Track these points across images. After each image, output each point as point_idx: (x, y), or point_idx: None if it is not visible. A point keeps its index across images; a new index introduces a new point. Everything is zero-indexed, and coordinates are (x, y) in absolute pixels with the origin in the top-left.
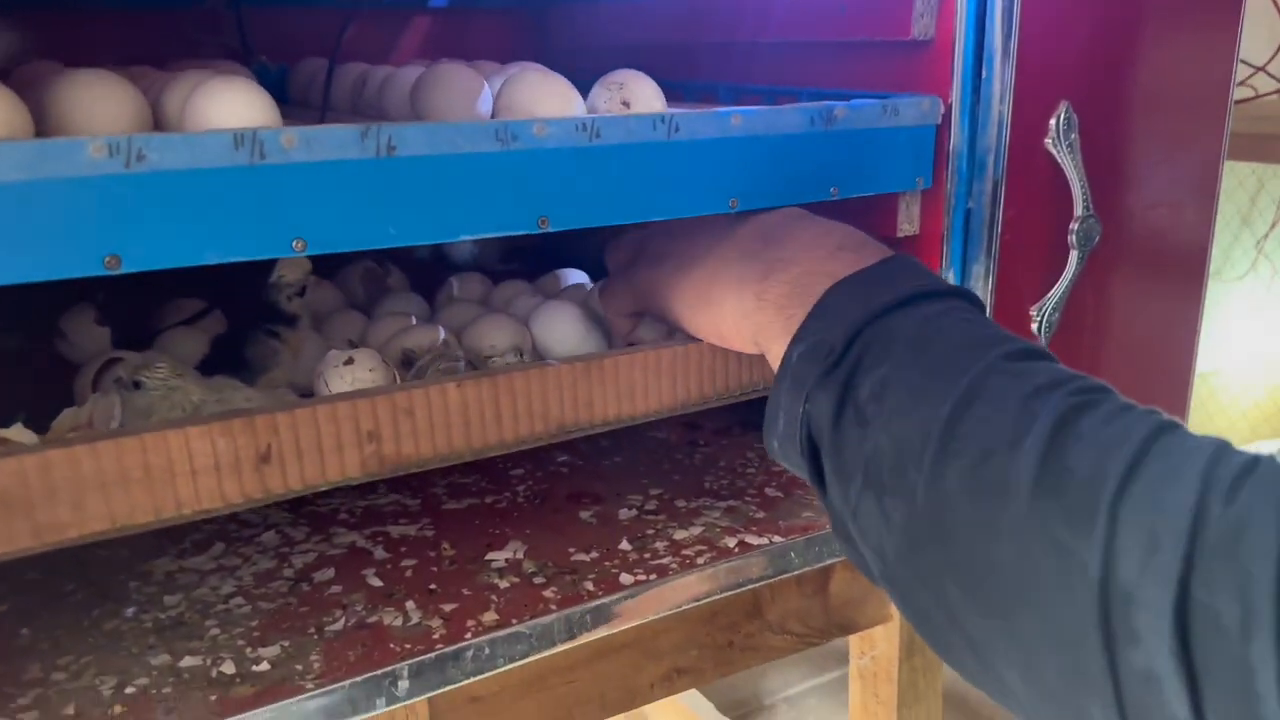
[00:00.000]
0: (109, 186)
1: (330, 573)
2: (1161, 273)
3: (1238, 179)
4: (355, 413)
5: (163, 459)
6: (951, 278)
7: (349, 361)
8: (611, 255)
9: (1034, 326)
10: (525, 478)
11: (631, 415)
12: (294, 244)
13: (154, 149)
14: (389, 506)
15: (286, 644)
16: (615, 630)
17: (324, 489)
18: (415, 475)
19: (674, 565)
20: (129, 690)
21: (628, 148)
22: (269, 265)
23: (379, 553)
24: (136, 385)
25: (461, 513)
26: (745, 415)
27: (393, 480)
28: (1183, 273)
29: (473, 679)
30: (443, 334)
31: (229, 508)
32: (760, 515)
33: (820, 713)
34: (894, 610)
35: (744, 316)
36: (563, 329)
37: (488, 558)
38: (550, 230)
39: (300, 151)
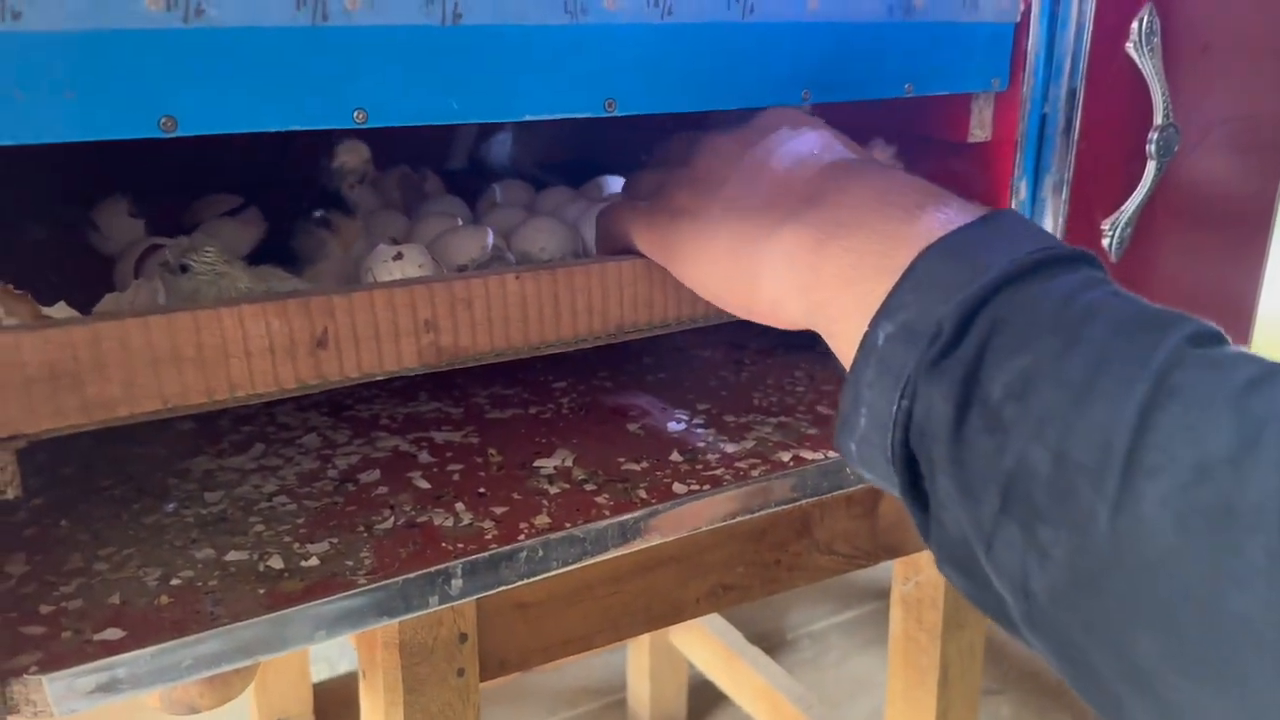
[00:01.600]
0: (166, 41)
1: (375, 474)
2: (1236, 190)
3: None
4: (413, 300)
5: (216, 338)
6: (1024, 188)
7: (398, 256)
8: (628, 192)
9: (1105, 242)
10: (568, 390)
11: (692, 317)
12: (355, 115)
13: (213, 4)
14: (431, 414)
15: (335, 541)
16: (670, 539)
17: (381, 378)
18: (457, 385)
19: (728, 477)
20: (174, 582)
21: (700, 27)
22: (305, 160)
23: (424, 457)
24: (183, 269)
25: (505, 421)
26: (790, 336)
27: (434, 388)
28: (1257, 190)
29: (525, 581)
30: (491, 236)
31: (283, 392)
32: (813, 431)
33: (842, 648)
34: None
35: (794, 293)
36: None
37: (536, 464)
38: (617, 114)
39: (364, 14)
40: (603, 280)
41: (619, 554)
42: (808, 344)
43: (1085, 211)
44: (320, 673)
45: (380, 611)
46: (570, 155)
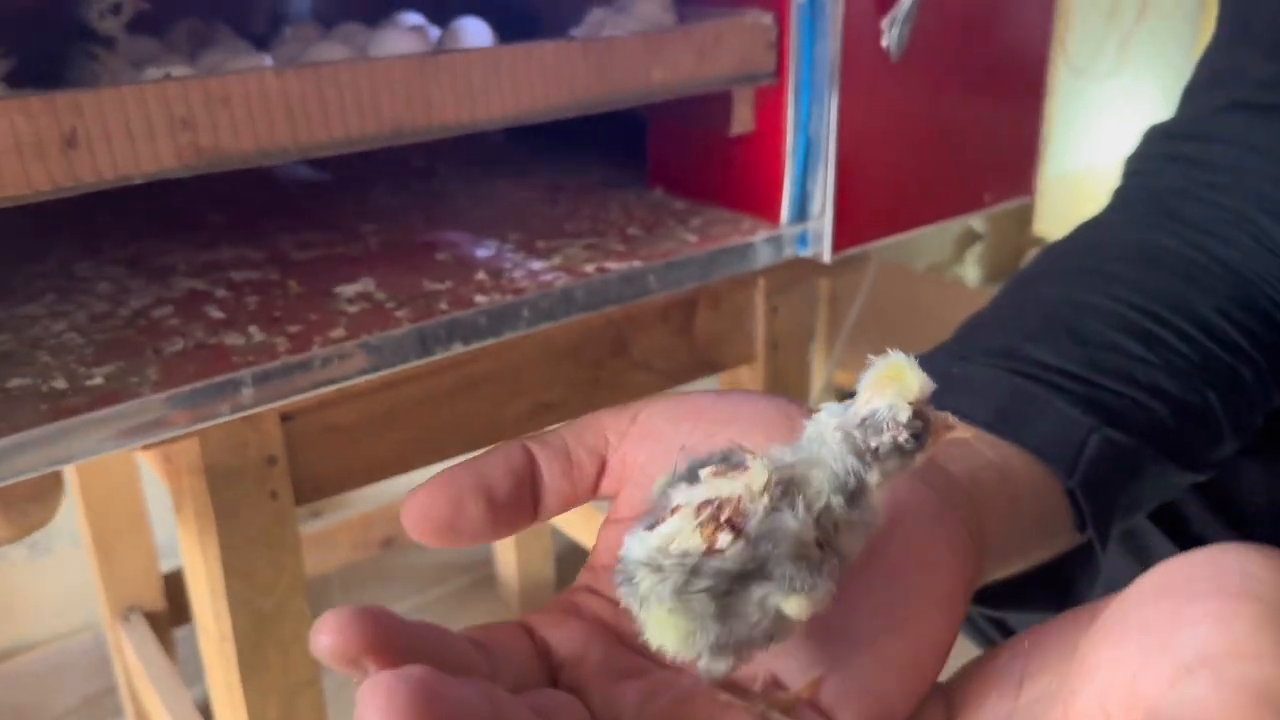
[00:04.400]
0: None
1: (168, 309)
2: None
3: None
4: (166, 97)
5: None
6: None
7: (167, 77)
8: None
9: (884, 41)
10: (379, 232)
11: (473, 120)
12: None
13: None
14: (231, 259)
15: (122, 364)
16: (472, 347)
17: (140, 180)
18: (263, 234)
19: (530, 288)
20: None
21: None
22: None
23: (220, 293)
24: None
25: (310, 261)
26: (611, 175)
27: (236, 238)
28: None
29: (320, 390)
30: (269, 61)
31: (37, 195)
32: (620, 248)
33: None
34: (760, 348)
35: None
36: (403, 47)
37: (336, 290)
38: None
39: None
40: (371, 77)
41: (421, 365)
42: (626, 183)
43: (864, 9)
44: (170, 563)
45: (168, 421)
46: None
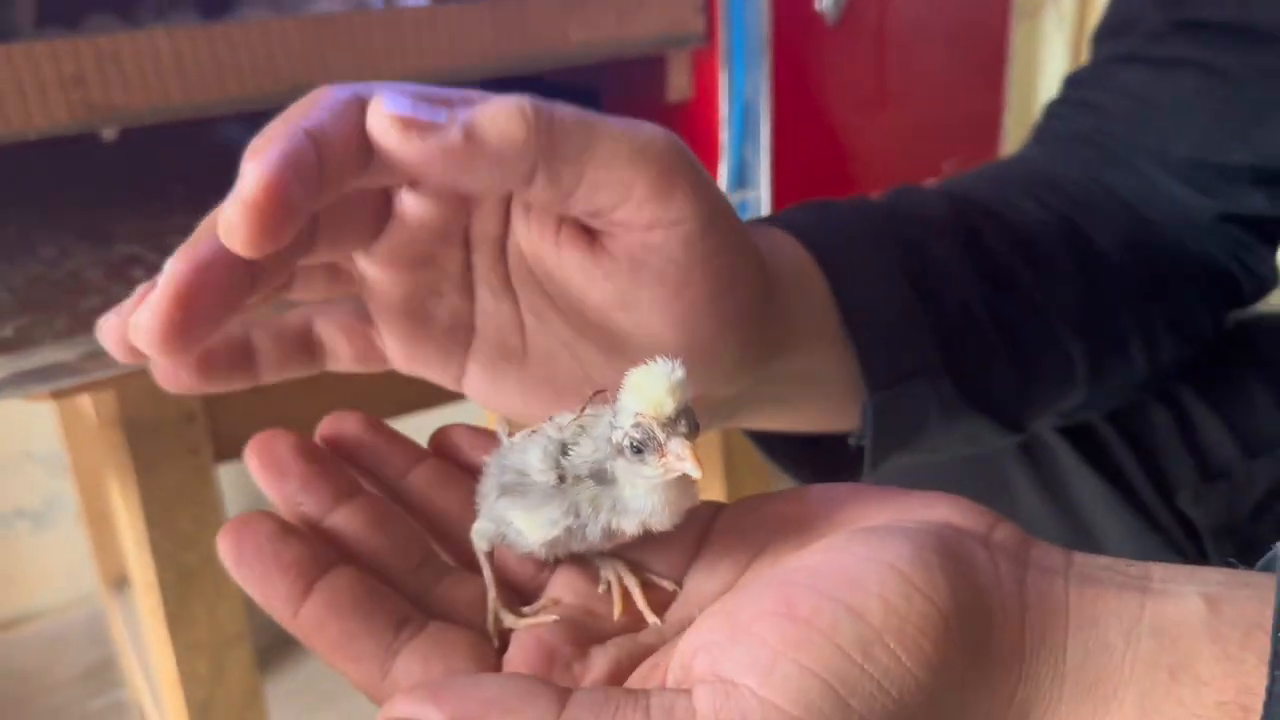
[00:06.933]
0: None
1: (99, 272)
2: None
3: None
4: (55, 54)
5: None
6: None
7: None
8: None
9: (818, 4)
10: None
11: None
12: None
13: None
14: (174, 226)
15: (38, 317)
16: None
17: (35, 137)
18: (214, 200)
19: None
20: None
21: None
22: None
23: (153, 257)
24: None
25: None
26: None
27: (187, 204)
28: None
29: None
30: None
31: None
32: None
33: None
34: None
35: None
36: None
37: None
38: None
39: None
40: (265, 35)
41: None
42: None
43: None
44: None
45: (71, 369)
46: None
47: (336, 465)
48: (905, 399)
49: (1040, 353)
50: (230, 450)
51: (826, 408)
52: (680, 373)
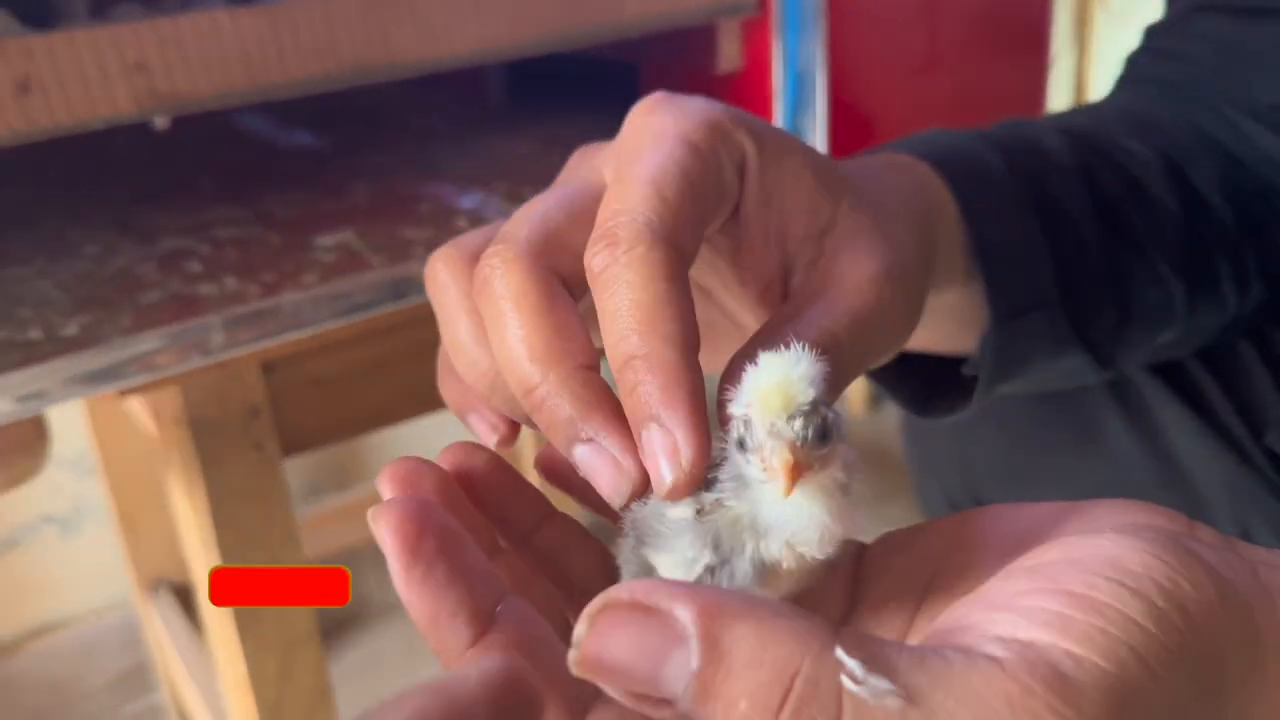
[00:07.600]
0: None
1: (151, 266)
2: None
3: None
4: (118, 41)
5: None
6: None
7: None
8: None
9: None
10: (366, 188)
11: (435, 57)
12: None
13: None
14: (217, 219)
15: (100, 315)
16: None
17: (98, 126)
18: (249, 194)
19: None
20: None
21: None
22: None
23: (203, 250)
24: None
25: (294, 217)
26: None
27: (223, 199)
28: None
29: (292, 335)
30: None
31: None
32: None
33: None
34: None
35: None
36: None
37: (316, 241)
38: None
39: None
40: (327, 12)
41: (404, 315)
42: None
43: None
44: None
45: (138, 366)
46: None
47: (473, 513)
48: (1023, 332)
49: (1143, 290)
50: (296, 444)
51: (936, 336)
52: (803, 368)
